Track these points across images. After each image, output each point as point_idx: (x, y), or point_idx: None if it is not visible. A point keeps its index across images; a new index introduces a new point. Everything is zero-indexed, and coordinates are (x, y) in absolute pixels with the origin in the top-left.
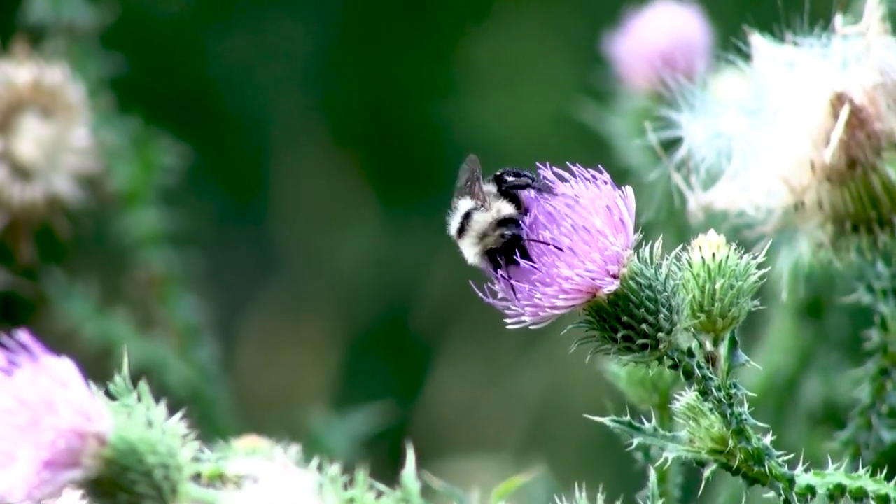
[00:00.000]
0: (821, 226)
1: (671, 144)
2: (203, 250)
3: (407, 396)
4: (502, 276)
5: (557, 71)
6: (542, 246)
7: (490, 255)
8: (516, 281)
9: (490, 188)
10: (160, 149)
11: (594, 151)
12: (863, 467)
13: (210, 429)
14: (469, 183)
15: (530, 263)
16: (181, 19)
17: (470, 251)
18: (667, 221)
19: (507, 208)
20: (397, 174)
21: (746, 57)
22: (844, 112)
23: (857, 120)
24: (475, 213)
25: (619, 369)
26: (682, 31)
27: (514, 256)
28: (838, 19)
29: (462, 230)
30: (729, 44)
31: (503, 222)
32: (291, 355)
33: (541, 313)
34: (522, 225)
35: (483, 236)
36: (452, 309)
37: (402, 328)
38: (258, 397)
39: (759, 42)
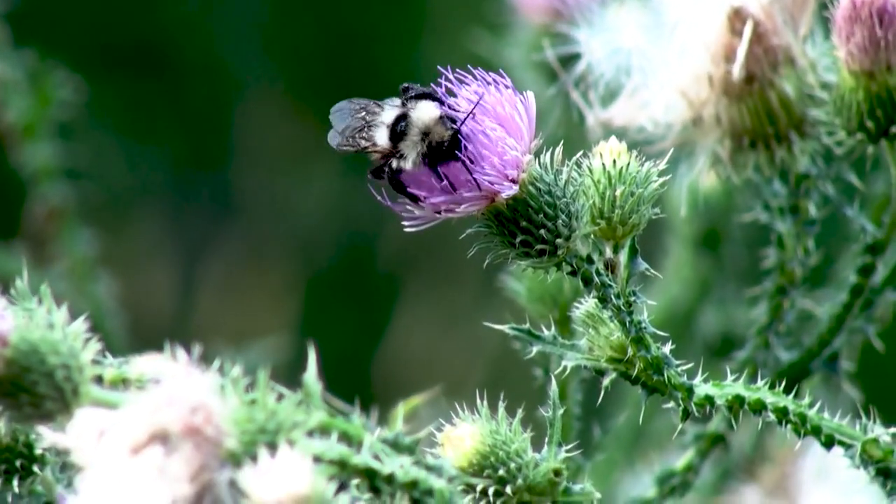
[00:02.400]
0: (719, 141)
1: (569, 61)
2: (164, 196)
3: (368, 341)
4: (444, 174)
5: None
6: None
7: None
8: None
9: (397, 101)
10: (56, 83)
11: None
12: (742, 380)
13: None
14: (409, 93)
15: (470, 154)
16: None
17: (411, 153)
18: (565, 139)
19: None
20: None
21: None
22: (749, 26)
23: (755, 35)
24: (413, 113)
25: (518, 285)
26: None
27: (454, 152)
28: None
29: (400, 134)
30: None
31: (443, 118)
32: (252, 299)
33: (437, 215)
34: (457, 119)
35: (427, 133)
36: (413, 255)
37: (363, 273)
38: (218, 341)
39: None
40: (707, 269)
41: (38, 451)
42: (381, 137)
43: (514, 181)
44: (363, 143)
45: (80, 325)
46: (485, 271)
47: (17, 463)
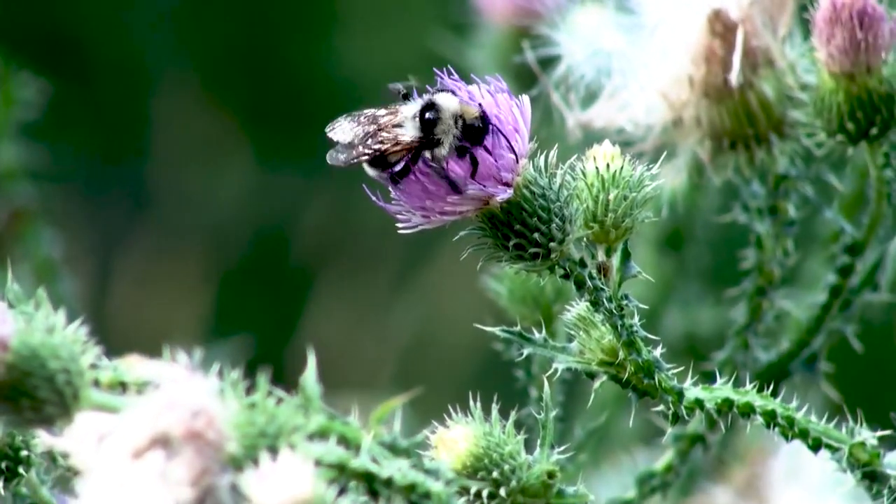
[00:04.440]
0: (699, 143)
1: (545, 63)
2: (78, 189)
3: (281, 333)
4: (451, 167)
5: (425, 6)
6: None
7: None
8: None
9: (397, 104)
10: (20, 84)
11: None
12: (730, 384)
13: None
14: (402, 91)
15: (483, 148)
16: None
17: (447, 137)
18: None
19: None
20: (269, 114)
21: None
22: (741, 34)
23: (734, 36)
24: (439, 100)
25: (500, 286)
26: None
27: (487, 126)
28: None
29: (432, 122)
30: None
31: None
32: (166, 292)
33: (432, 218)
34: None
35: (458, 115)
36: (326, 246)
37: (277, 266)
38: (132, 334)
39: None
40: (670, 269)
41: (23, 453)
42: (410, 131)
43: (508, 185)
44: (383, 145)
45: (80, 328)
46: (398, 265)
47: (3, 465)
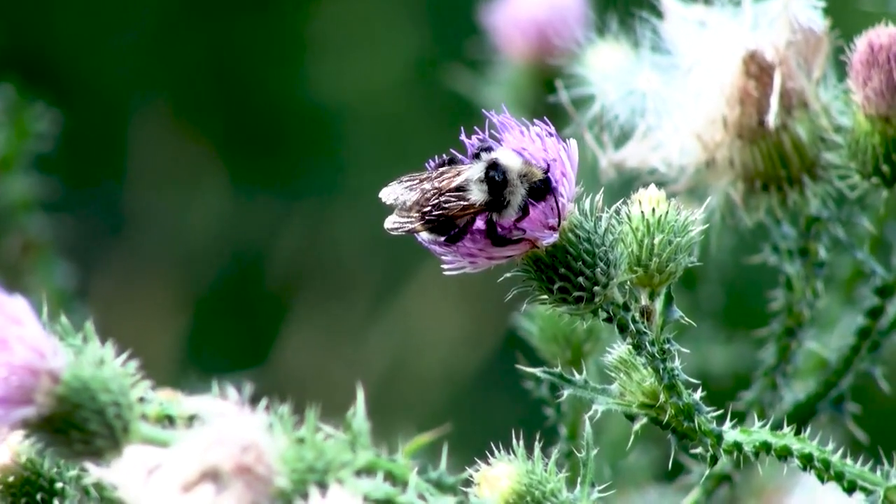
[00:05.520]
0: (732, 184)
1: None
2: (51, 214)
3: (254, 360)
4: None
5: (401, 37)
6: None
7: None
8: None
9: (448, 167)
10: (34, 116)
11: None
12: (768, 427)
13: None
14: (483, 147)
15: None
16: None
17: (516, 197)
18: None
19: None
20: (244, 140)
21: (659, 16)
22: (778, 76)
23: (769, 78)
24: (503, 161)
25: (531, 325)
26: (558, 1)
27: (550, 187)
28: None
29: (501, 183)
30: (604, 7)
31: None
32: (140, 317)
33: (479, 262)
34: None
35: (524, 175)
36: (301, 272)
37: (250, 293)
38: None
39: (669, 2)
40: (683, 307)
41: (58, 485)
42: (477, 194)
43: (553, 229)
44: (449, 209)
45: (130, 362)
46: (373, 292)
47: (38, 497)
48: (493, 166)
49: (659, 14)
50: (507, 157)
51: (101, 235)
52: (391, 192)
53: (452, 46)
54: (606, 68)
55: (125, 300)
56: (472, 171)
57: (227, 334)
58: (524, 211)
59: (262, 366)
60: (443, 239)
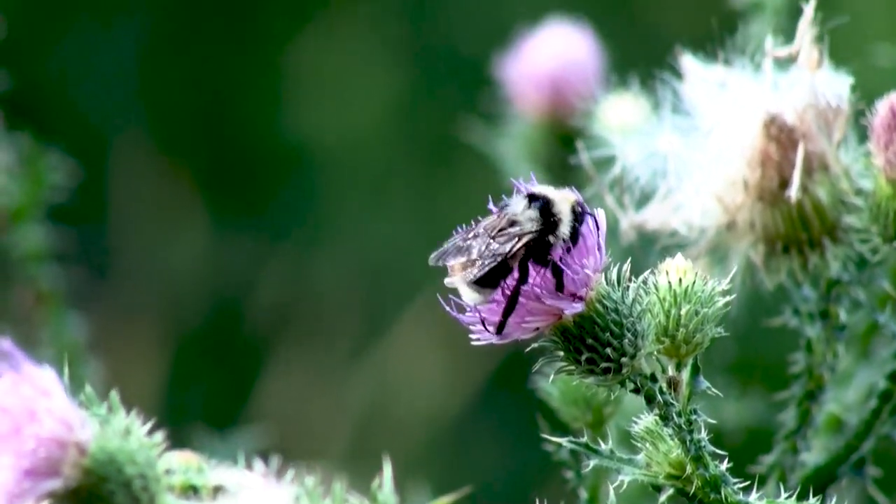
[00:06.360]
0: (752, 246)
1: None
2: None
3: (236, 402)
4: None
5: (383, 77)
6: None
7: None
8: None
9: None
10: (49, 166)
11: (434, 156)
12: (786, 491)
13: None
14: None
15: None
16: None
17: (565, 218)
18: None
19: None
20: (224, 179)
21: (679, 77)
22: (801, 149)
23: (790, 140)
24: (535, 189)
25: (551, 387)
26: (572, 54)
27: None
28: (769, 41)
29: (555, 223)
30: (622, 65)
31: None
32: (120, 358)
33: (510, 331)
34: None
35: (563, 199)
36: (282, 314)
37: (232, 334)
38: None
39: (690, 63)
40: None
41: None
42: (528, 222)
43: (581, 298)
44: (508, 243)
45: (155, 433)
46: (354, 335)
47: None
48: (533, 197)
49: (679, 75)
50: (538, 188)
51: (81, 276)
52: (446, 253)
53: (435, 89)
54: (625, 127)
55: (105, 341)
56: (513, 208)
57: (209, 376)
58: (573, 240)
59: (242, 407)
60: (490, 299)
